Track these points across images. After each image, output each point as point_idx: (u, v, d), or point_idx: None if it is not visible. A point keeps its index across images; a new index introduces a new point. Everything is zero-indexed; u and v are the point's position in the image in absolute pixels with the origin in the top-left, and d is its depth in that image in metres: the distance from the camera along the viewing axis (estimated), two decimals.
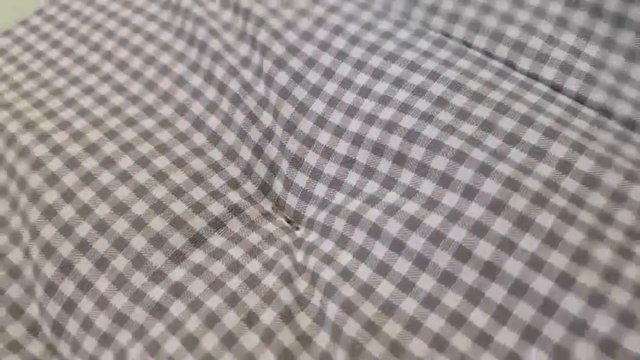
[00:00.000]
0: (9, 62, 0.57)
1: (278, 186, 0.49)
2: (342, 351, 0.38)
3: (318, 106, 0.48)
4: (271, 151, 0.49)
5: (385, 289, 0.40)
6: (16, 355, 0.43)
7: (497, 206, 0.39)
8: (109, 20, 0.58)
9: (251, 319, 0.40)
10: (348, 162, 0.46)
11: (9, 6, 0.70)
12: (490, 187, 0.40)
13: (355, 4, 0.53)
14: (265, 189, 0.49)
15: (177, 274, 0.43)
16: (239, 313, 0.40)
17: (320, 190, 0.47)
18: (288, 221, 0.48)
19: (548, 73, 0.47)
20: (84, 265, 0.43)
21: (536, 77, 0.47)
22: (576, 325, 0.35)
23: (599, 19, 0.47)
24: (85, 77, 0.54)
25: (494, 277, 0.38)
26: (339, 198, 0.46)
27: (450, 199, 0.41)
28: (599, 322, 0.35)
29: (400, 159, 0.44)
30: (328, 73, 0.49)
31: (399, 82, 0.47)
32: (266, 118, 0.49)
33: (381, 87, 0.47)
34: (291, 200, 0.48)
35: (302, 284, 0.42)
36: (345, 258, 0.42)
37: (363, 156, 0.46)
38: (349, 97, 0.48)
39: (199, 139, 0.50)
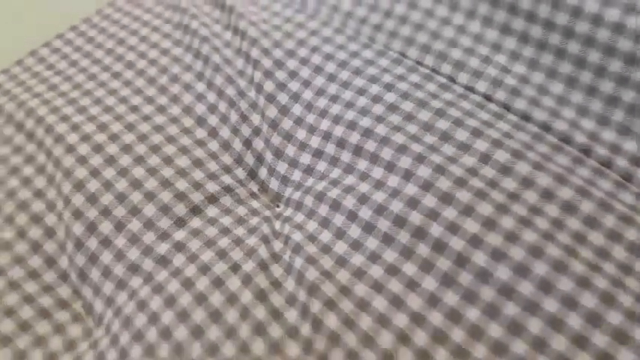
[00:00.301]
0: (48, 68, 0.69)
1: (263, 172, 0.60)
2: (303, 291, 0.49)
3: (296, 109, 0.60)
4: (258, 144, 0.61)
5: (340, 248, 0.51)
6: (47, 296, 0.55)
7: (427, 185, 0.51)
8: (131, 37, 0.70)
9: (235, 268, 0.51)
10: (319, 153, 0.58)
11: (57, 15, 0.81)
12: (423, 172, 0.52)
13: (331, 29, 0.65)
14: (253, 174, 0.60)
15: (179, 235, 0.54)
16: (226, 263, 0.52)
17: (296, 175, 0.58)
18: (270, 202, 0.59)
19: (482, 86, 0.59)
20: (106, 227, 0.55)
21: (472, 89, 0.59)
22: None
23: (525, 44, 0.59)
24: (110, 82, 0.66)
25: (423, 238, 0.49)
26: (310, 181, 0.57)
27: (393, 180, 0.52)
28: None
29: (358, 151, 0.56)
30: (306, 83, 0.61)
31: (361, 92, 0.59)
32: (255, 118, 0.61)
33: (347, 95, 0.59)
34: (274, 184, 0.59)
35: (277, 245, 0.53)
36: (312, 226, 0.54)
37: (330, 149, 0.57)
38: (322, 103, 0.59)
39: (201, 133, 0.62)
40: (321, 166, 0.57)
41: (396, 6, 0.64)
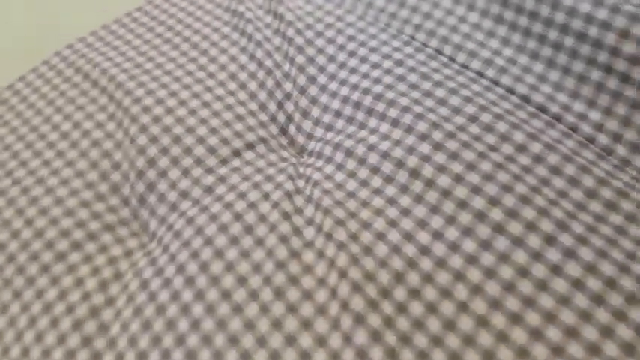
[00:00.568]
0: (120, 41, 0.83)
1: (292, 129, 0.73)
2: (318, 214, 0.61)
3: (322, 79, 0.73)
4: (289, 106, 0.73)
5: (351, 185, 0.63)
6: (112, 215, 0.68)
7: (423, 137, 0.63)
8: (188, 17, 0.84)
9: (266, 196, 0.64)
10: (338, 114, 0.70)
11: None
12: (422, 127, 0.64)
13: (354, 16, 0.78)
14: (283, 131, 0.73)
15: (222, 171, 0.67)
16: (259, 192, 0.64)
17: (319, 132, 0.71)
18: (297, 153, 0.72)
19: (476, 65, 0.71)
20: (163, 162, 0.68)
21: (467, 67, 0.71)
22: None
23: (514, 32, 0.70)
24: (170, 52, 0.80)
25: (417, 177, 0.61)
26: (329, 136, 0.70)
27: (397, 134, 0.65)
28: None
29: (370, 111, 0.68)
30: (331, 58, 0.74)
31: (376, 66, 0.71)
32: (287, 85, 0.74)
33: (363, 68, 0.71)
34: (300, 139, 0.72)
35: (300, 182, 0.66)
36: (329, 169, 0.66)
37: (348, 110, 0.70)
38: (343, 74, 0.72)
39: (243, 95, 0.75)
40: (340, 124, 0.70)
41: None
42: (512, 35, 0.70)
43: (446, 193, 0.59)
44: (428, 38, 0.75)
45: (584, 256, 0.53)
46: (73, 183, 0.70)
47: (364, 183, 0.63)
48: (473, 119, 0.63)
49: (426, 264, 0.56)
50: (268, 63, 0.76)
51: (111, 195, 0.69)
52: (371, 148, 0.65)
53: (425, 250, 0.56)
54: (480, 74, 0.70)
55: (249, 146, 0.70)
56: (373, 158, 0.64)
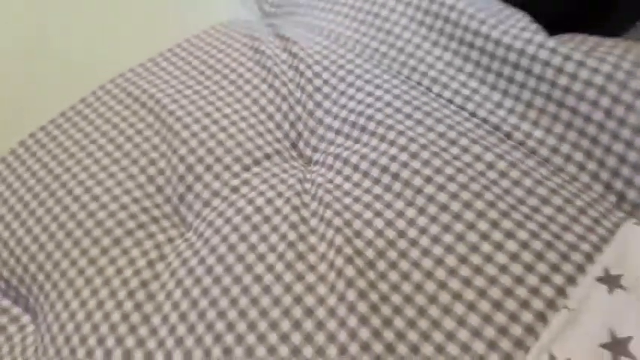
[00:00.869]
0: (166, 70, 1.02)
1: (301, 144, 0.91)
2: (321, 208, 0.78)
3: (326, 104, 0.91)
4: (299, 126, 0.91)
5: (346, 186, 0.81)
6: (157, 210, 0.86)
7: (403, 148, 0.81)
8: (218, 54, 1.03)
9: (280, 195, 0.81)
10: (338, 132, 0.88)
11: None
12: (401, 140, 0.81)
13: (353, 54, 0.97)
14: (294, 146, 0.91)
15: (245, 175, 0.85)
16: (274, 192, 0.82)
17: (322, 146, 0.89)
18: (305, 163, 0.90)
19: (447, 94, 0.89)
20: (199, 168, 0.86)
21: (440, 96, 0.89)
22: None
23: (478, 68, 0.89)
24: (212, 86, 0.99)
25: (397, 179, 0.78)
26: (331, 149, 0.87)
27: (382, 146, 0.82)
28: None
29: (363, 129, 0.86)
30: (334, 88, 0.92)
31: (369, 94, 0.89)
32: (298, 109, 0.92)
33: (359, 95, 0.89)
34: (308, 152, 0.90)
35: (307, 184, 0.83)
36: (330, 174, 0.84)
37: (346, 129, 0.87)
38: (342, 100, 0.90)
39: (262, 117, 0.93)
40: (339, 139, 0.88)
41: (397, 42, 0.96)
42: (477, 71, 0.89)
43: (418, 191, 0.76)
44: (410, 72, 0.93)
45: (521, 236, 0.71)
46: (125, 184, 0.88)
47: (357, 184, 0.81)
48: (441, 135, 0.81)
49: (403, 244, 0.73)
50: (284, 91, 0.95)
51: (156, 194, 0.87)
52: (363, 157, 0.83)
53: (402, 234, 0.74)
54: (450, 101, 0.88)
55: (267, 157, 0.88)
56: (364, 165, 0.82)
